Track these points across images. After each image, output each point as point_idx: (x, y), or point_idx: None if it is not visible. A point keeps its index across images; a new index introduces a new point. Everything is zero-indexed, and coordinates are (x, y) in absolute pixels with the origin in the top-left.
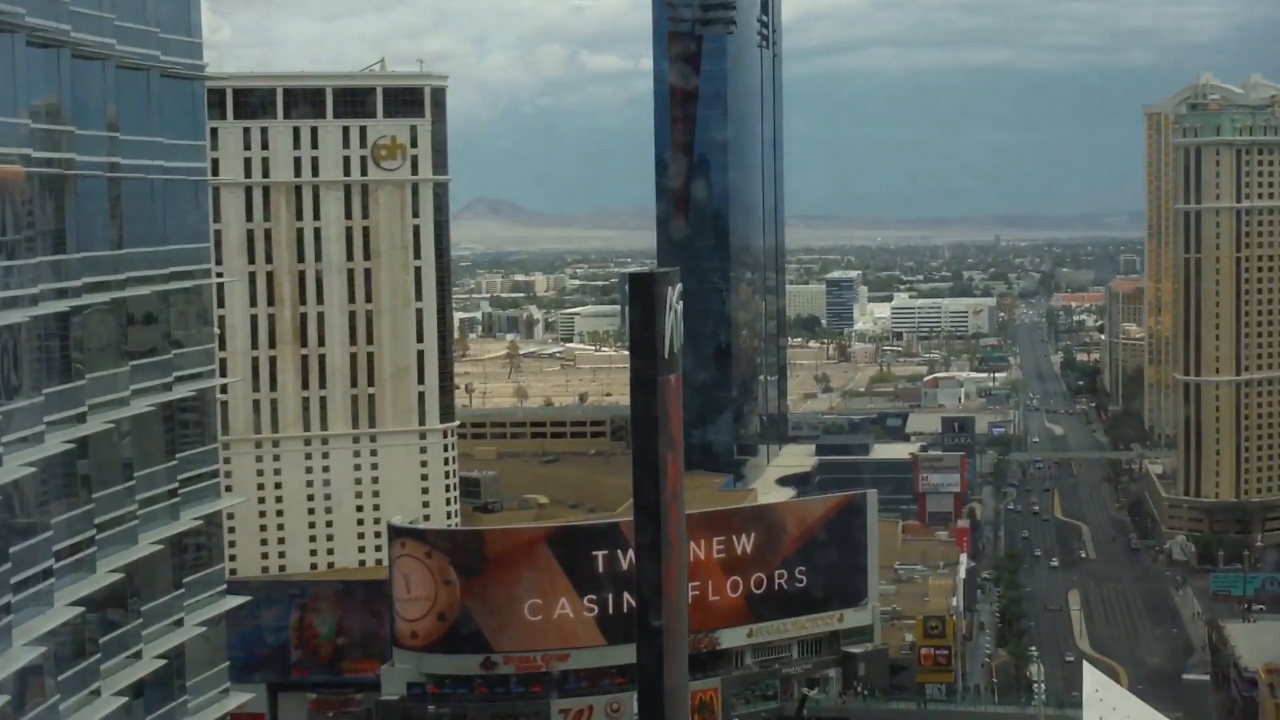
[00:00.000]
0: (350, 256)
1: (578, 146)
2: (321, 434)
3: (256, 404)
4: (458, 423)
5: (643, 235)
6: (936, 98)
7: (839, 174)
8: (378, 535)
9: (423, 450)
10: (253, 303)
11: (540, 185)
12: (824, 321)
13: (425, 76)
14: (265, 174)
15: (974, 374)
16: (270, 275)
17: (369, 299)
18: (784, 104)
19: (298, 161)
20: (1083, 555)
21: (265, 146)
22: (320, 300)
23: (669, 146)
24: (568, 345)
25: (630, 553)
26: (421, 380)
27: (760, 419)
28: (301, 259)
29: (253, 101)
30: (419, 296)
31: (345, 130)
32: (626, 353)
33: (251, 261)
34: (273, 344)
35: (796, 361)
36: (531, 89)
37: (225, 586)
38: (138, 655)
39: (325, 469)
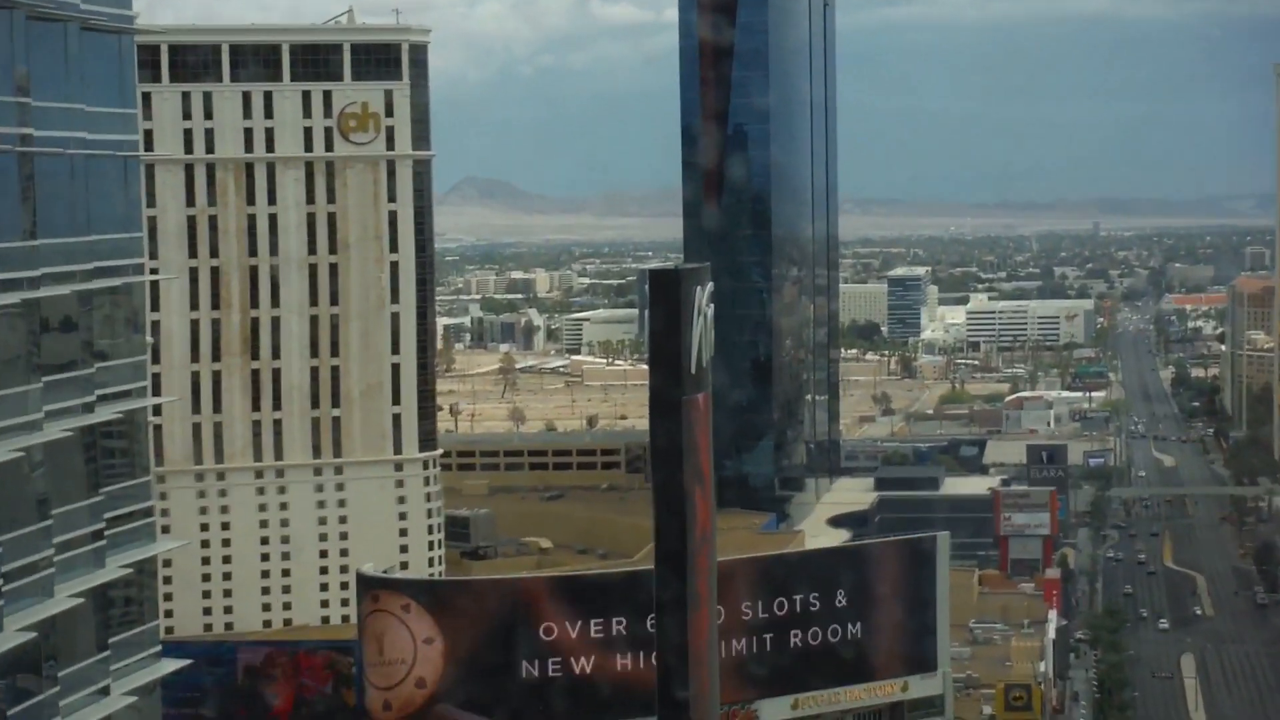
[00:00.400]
0: (312, 249)
1: (588, 116)
2: (276, 464)
3: (198, 428)
4: (441, 451)
5: (666, 224)
6: (1022, 56)
7: (904, 150)
8: (345, 586)
9: (399, 484)
10: (193, 305)
11: (542, 163)
12: (885, 329)
13: (403, 30)
14: (209, 149)
15: (1066, 393)
16: (215, 272)
17: (334, 301)
18: (837, 64)
19: (248, 134)
20: (1198, 612)
21: (209, 116)
22: (275, 302)
23: (698, 115)
24: (574, 357)
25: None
26: (397, 400)
27: (807, 447)
28: (253, 252)
29: (193, 61)
30: (395, 298)
31: (305, 96)
32: (645, 367)
33: (193, 255)
34: (217, 356)
35: (851, 377)
36: (531, 45)
37: (160, 648)
38: None
39: (282, 506)
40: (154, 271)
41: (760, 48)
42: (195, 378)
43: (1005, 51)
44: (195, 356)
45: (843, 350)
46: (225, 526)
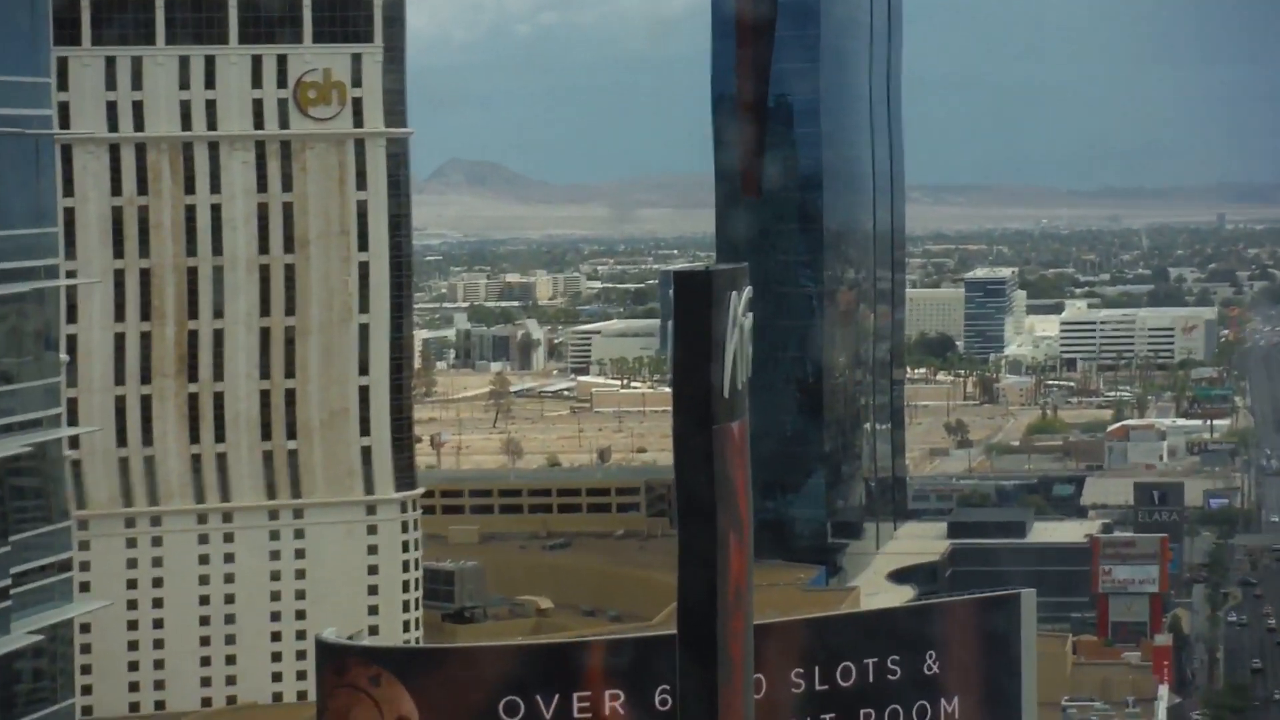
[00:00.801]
0: (264, 248)
1: (598, 86)
2: (221, 507)
3: (124, 463)
4: (421, 491)
5: (694, 217)
6: (1126, 15)
7: (984, 126)
8: (302, 655)
9: (370, 530)
10: (118, 315)
11: (543, 143)
12: (961, 343)
13: None
14: (139, 126)
15: (1182, 420)
16: (145, 275)
17: (290, 310)
18: (904, 22)
19: (186, 107)
20: None
21: (138, 86)
22: (219, 312)
23: (733, 85)
24: (582, 379)
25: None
26: (367, 430)
27: (866, 485)
28: (192, 251)
29: (121, 20)
30: (364, 307)
31: (256, 62)
32: (668, 390)
33: (118, 255)
34: (148, 377)
35: (920, 402)
36: (529, 1)
37: None
38: None
39: (227, 558)
40: (70, 274)
41: (809, 1)
42: (121, 403)
43: (1107, 9)
44: (121, 378)
45: (909, 369)
46: (158, 583)
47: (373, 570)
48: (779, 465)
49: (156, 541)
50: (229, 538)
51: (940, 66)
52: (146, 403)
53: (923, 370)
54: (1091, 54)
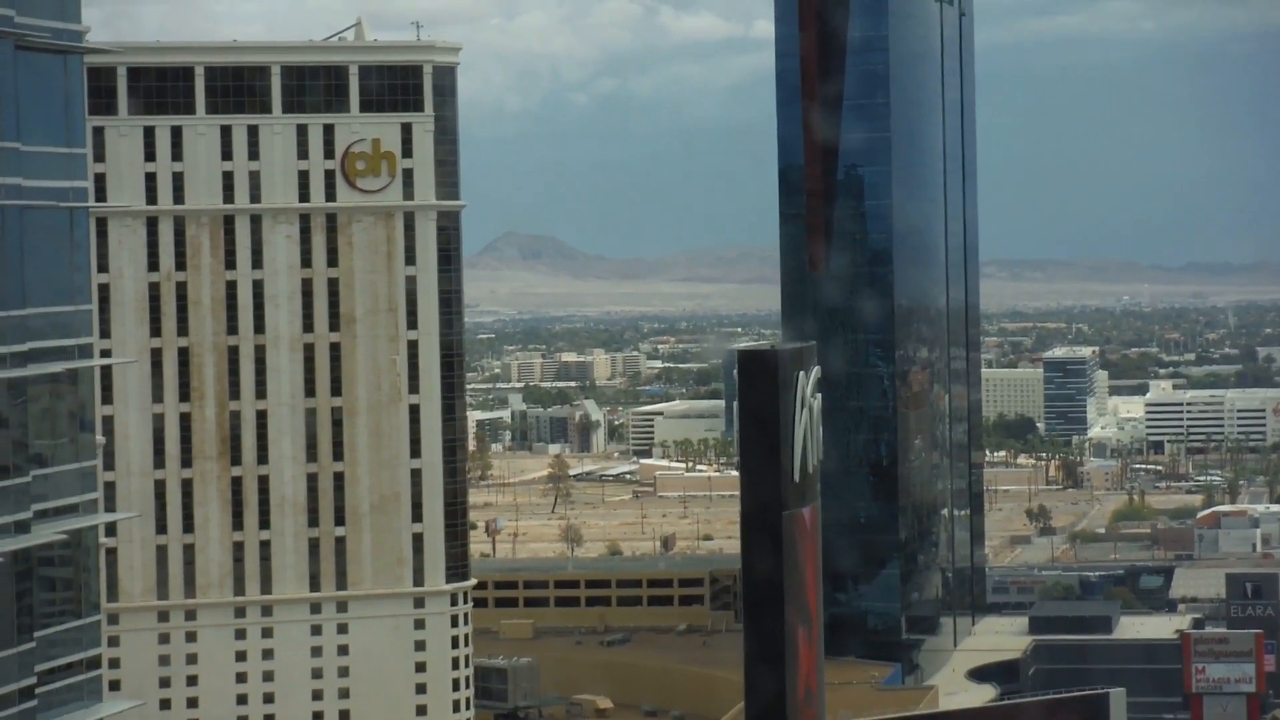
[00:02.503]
0: (309, 325)
1: (658, 156)
2: (262, 600)
3: (162, 553)
4: (474, 582)
5: (759, 292)
6: (1210, 76)
7: (1062, 197)
8: None
9: (418, 625)
10: (156, 396)
11: (601, 215)
12: (1041, 425)
13: (425, 48)
14: (178, 199)
15: (1276, 506)
16: (184, 354)
17: (336, 390)
18: (976, 91)
19: (228, 179)
20: None
21: (177, 157)
22: (261, 393)
23: (800, 155)
24: (644, 461)
25: None
26: (418, 517)
27: (943, 577)
28: (233, 329)
29: (159, 87)
30: (414, 387)
31: (301, 131)
32: (735, 474)
33: (156, 333)
34: (188, 460)
35: (1000, 487)
36: (587, 66)
37: None
38: None
39: (266, 654)
40: (106, 353)
41: (879, 69)
42: (159, 488)
43: (1191, 70)
44: (160, 461)
45: (988, 452)
46: (193, 681)
47: (420, 668)
48: (851, 554)
49: (192, 636)
50: (268, 632)
51: (1016, 139)
52: (187, 487)
53: (1002, 453)
54: (1174, 125)
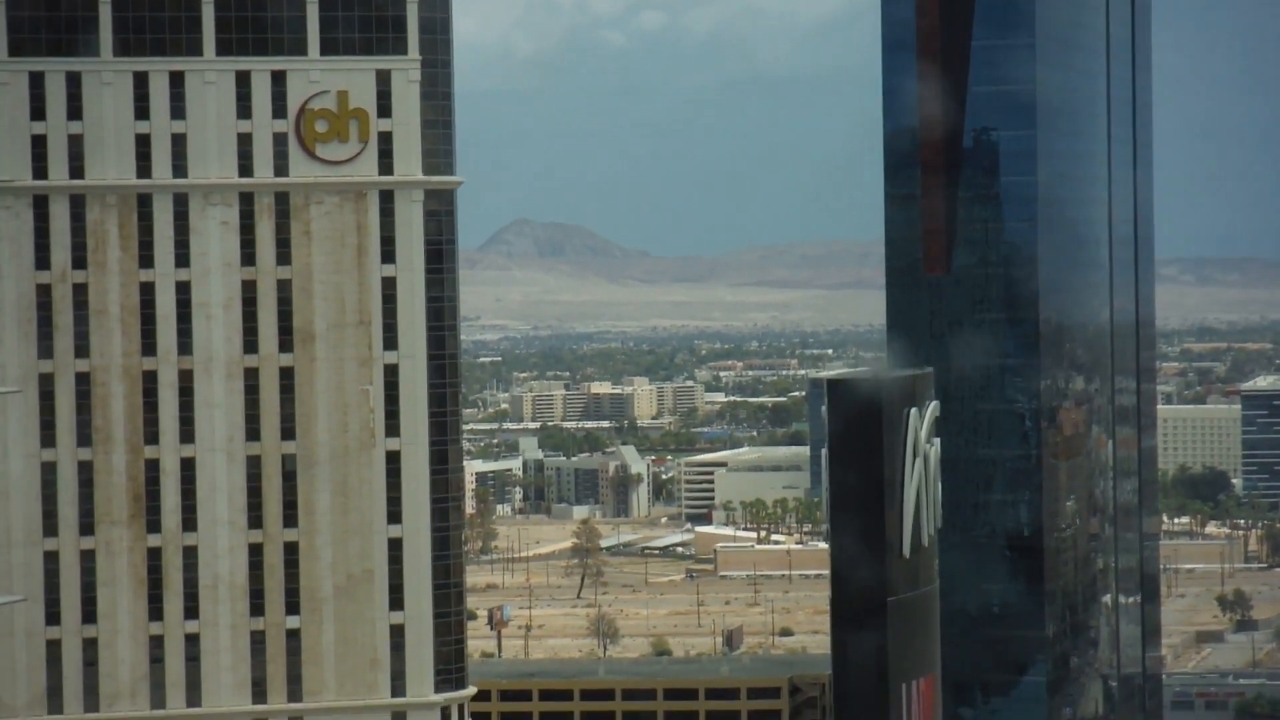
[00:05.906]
0: (251, 345)
1: (719, 117)
2: (189, 714)
3: (54, 650)
4: (473, 691)
5: (856, 301)
6: None
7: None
8: None
9: None
10: (47, 440)
11: (643, 198)
12: (1238, 482)
13: None
14: (75, 171)
15: None
16: (85, 381)
17: (289, 433)
18: (1152, 39)
19: (144, 144)
20: None
21: (75, 114)
22: (188, 435)
23: (913, 116)
24: (701, 529)
25: None
26: (399, 603)
27: (1105, 685)
28: (150, 349)
29: (51, 19)
30: (394, 429)
31: (242, 80)
32: (824, 545)
33: (46, 354)
34: (88, 526)
35: (1182, 565)
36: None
37: None
38: None
39: None
40: None
41: (1022, 17)
42: (50, 562)
43: None
44: (50, 527)
45: (1166, 518)
46: None
47: None
48: (981, 656)
49: None
50: None
51: (1202, 97)
52: (88, 561)
53: (1185, 519)
54: None
